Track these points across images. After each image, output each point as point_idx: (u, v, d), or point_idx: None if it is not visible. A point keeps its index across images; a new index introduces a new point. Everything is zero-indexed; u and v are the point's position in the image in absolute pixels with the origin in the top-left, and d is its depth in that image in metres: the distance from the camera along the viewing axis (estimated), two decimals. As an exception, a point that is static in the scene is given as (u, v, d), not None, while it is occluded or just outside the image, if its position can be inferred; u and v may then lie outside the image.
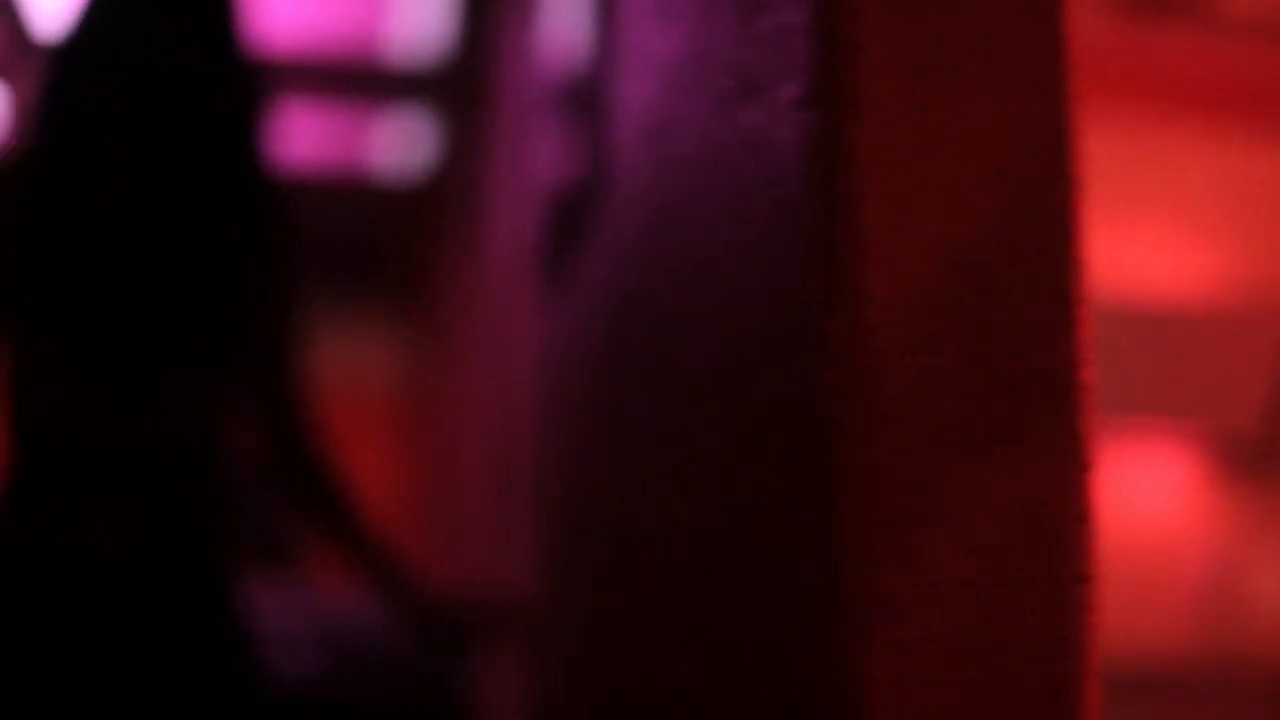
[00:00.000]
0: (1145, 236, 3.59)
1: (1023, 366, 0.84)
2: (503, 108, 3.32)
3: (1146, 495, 3.59)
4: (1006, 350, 0.84)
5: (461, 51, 4.10)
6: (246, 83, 2.04)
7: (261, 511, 2.99)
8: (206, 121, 2.02)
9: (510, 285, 3.08)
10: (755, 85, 1.01)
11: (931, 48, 0.86)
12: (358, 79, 4.41)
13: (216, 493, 1.92)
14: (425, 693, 2.74)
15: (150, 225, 1.94)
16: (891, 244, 0.83)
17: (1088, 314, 0.86)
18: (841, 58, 0.86)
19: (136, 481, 1.86)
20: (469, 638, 2.17)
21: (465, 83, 4.10)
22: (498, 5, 3.47)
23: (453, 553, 4.47)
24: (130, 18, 2.03)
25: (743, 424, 1.02)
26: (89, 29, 2.03)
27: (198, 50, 2.02)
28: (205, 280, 1.93)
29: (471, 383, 3.80)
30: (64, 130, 2.00)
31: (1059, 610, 0.81)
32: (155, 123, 1.98)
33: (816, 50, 0.88)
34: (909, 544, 0.79)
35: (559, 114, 2.20)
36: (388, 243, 5.23)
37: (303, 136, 4.79)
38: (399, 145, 4.91)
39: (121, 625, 1.85)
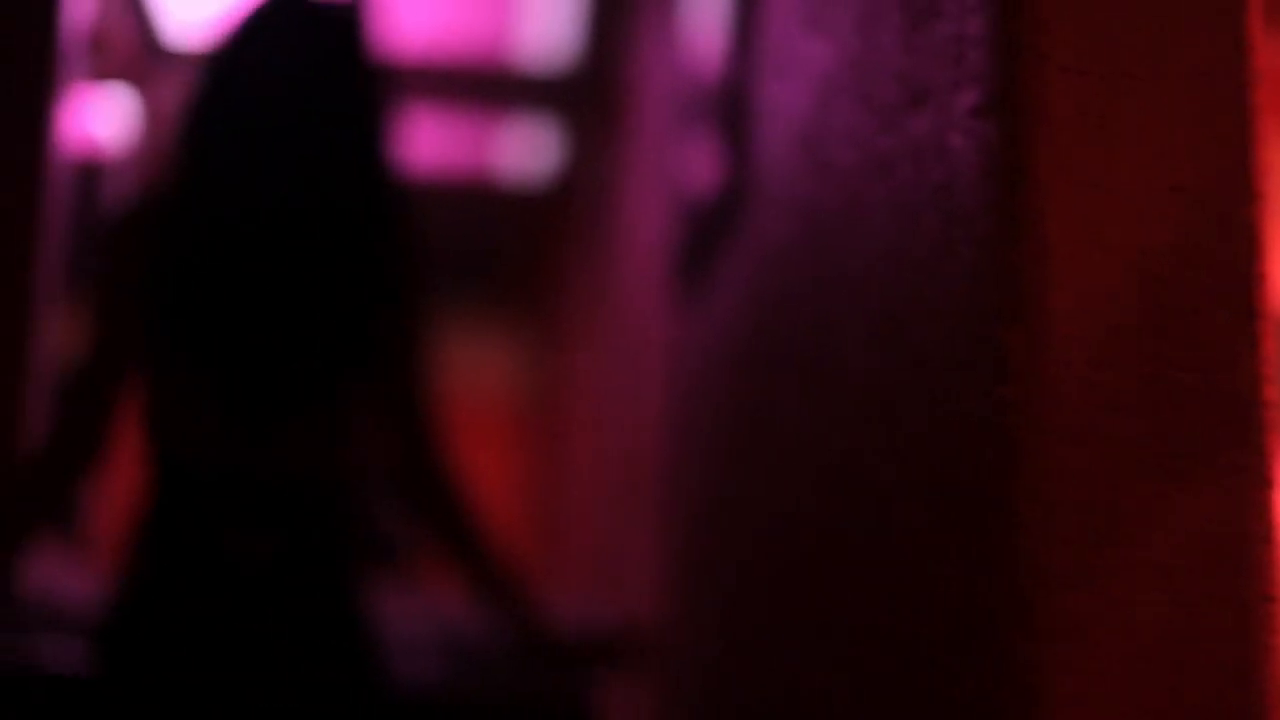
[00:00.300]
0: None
1: (1205, 383, 0.82)
2: (634, 114, 3.32)
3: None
4: (1189, 367, 0.82)
5: (590, 58, 4.12)
6: (381, 111, 2.08)
7: (384, 521, 3.02)
8: (345, 156, 2.06)
9: (641, 291, 3.09)
10: (925, 94, 1.00)
11: (1115, 61, 0.85)
12: (486, 85, 4.45)
13: (347, 514, 1.99)
14: (546, 699, 2.75)
15: (288, 261, 1.99)
16: (1072, 258, 0.82)
17: (1272, 330, 0.85)
18: (1023, 69, 0.85)
19: (272, 509, 1.93)
20: (591, 660, 2.18)
21: (594, 89, 4.12)
22: (628, 12, 3.48)
23: (575, 560, 4.49)
24: (267, 55, 2.07)
25: (906, 433, 1.01)
26: (226, 63, 2.08)
27: (336, 86, 2.06)
28: (342, 314, 1.99)
29: (598, 388, 3.82)
30: (205, 166, 2.04)
31: (1242, 631, 0.80)
32: (293, 160, 2.02)
33: (996, 60, 0.87)
34: (1090, 564, 0.78)
35: (697, 120, 2.20)
36: (514, 248, 5.26)
37: (432, 142, 4.84)
38: (527, 151, 4.95)
39: (257, 644, 1.91)
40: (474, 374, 5.01)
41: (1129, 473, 0.80)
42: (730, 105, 1.81)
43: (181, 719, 1.89)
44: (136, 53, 4.33)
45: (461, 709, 2.76)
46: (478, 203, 5.09)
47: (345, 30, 2.09)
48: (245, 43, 2.09)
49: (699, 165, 2.12)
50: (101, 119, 4.23)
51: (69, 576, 3.66)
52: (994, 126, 0.87)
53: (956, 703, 0.86)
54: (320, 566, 1.95)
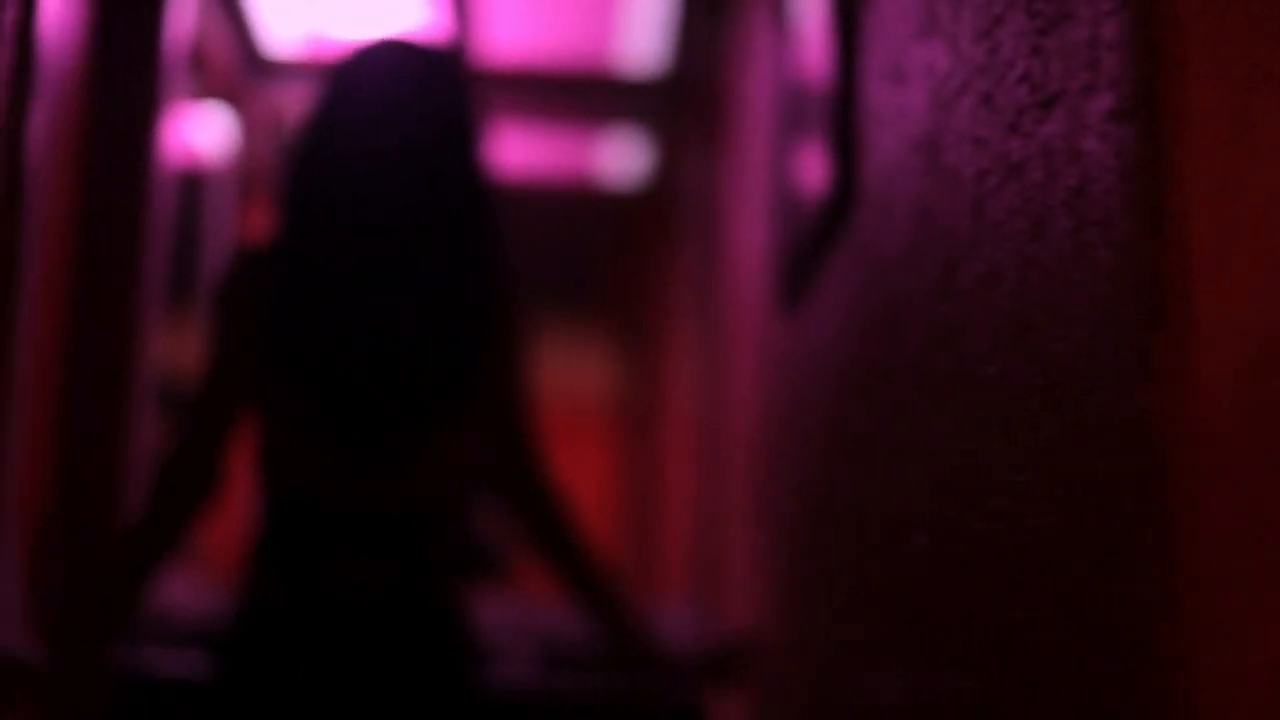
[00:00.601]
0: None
1: (1353, 387, 0.82)
2: (735, 120, 3.33)
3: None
4: (1337, 370, 0.82)
5: (691, 63, 4.13)
6: (482, 145, 2.12)
7: (485, 535, 3.08)
8: (452, 192, 2.11)
9: (740, 297, 3.09)
10: (1055, 98, 1.00)
11: (1254, 64, 0.85)
12: (586, 91, 4.47)
13: (452, 537, 2.07)
14: (653, 708, 2.77)
15: (398, 298, 2.04)
16: (1218, 262, 0.81)
17: None
18: (1162, 72, 0.84)
19: (382, 539, 2.01)
20: (697, 671, 2.21)
21: (694, 95, 4.12)
22: (728, 18, 3.49)
23: (670, 565, 4.50)
24: (374, 95, 2.11)
25: (1038, 437, 1.01)
26: (333, 103, 2.12)
27: (441, 122, 2.11)
28: (450, 348, 2.07)
29: (695, 394, 3.82)
30: (314, 208, 2.09)
31: (1395, 639, 0.79)
32: (401, 199, 2.06)
33: (1133, 64, 0.87)
34: (1240, 567, 0.78)
35: (802, 127, 2.20)
36: (613, 253, 5.29)
37: (531, 149, 4.87)
38: (626, 157, 4.96)
39: (367, 663, 1.99)
40: (572, 379, 5.04)
41: (1278, 478, 0.80)
42: (838, 111, 1.81)
43: None
44: (235, 67, 4.39)
45: (562, 714, 2.78)
46: (577, 209, 5.11)
47: (446, 68, 2.13)
48: (351, 83, 2.14)
49: (804, 171, 2.12)
50: (202, 132, 4.30)
51: (184, 590, 3.72)
52: (1132, 130, 0.87)
53: (1099, 706, 0.86)
54: (428, 589, 2.03)
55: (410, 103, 2.13)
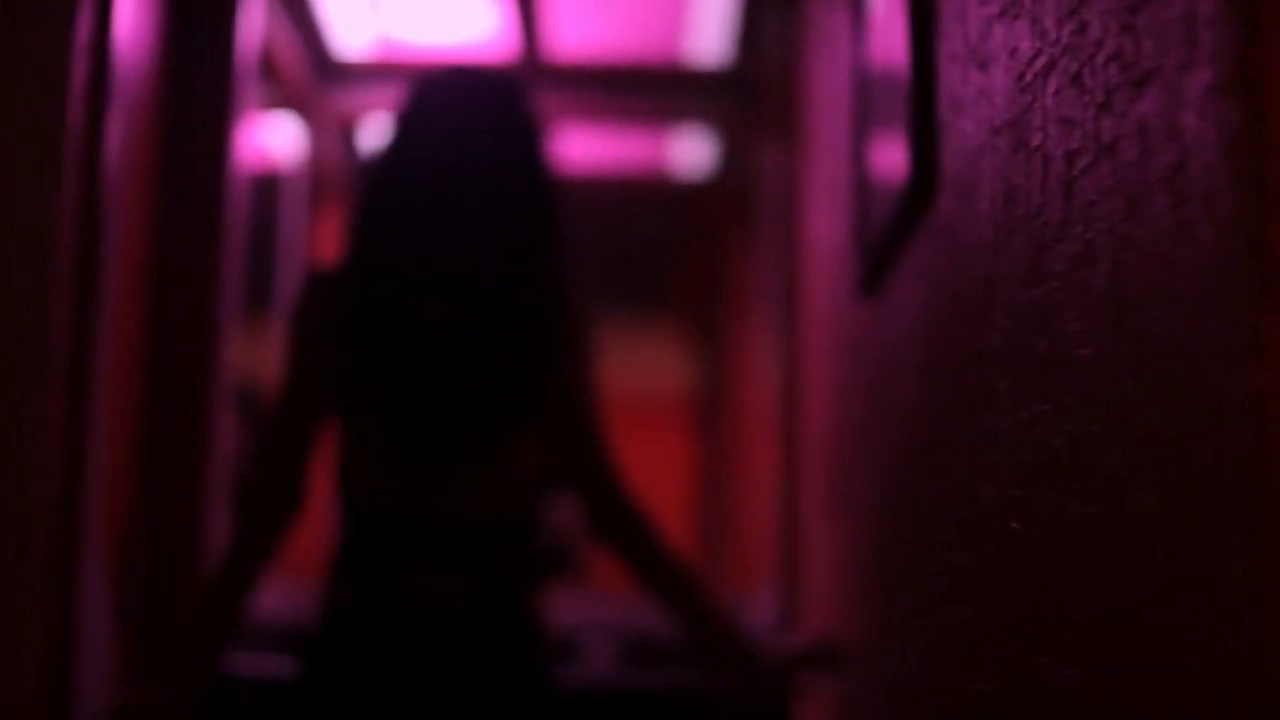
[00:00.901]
0: None
1: None
2: (806, 109, 3.31)
3: None
4: None
5: (763, 52, 4.11)
6: (547, 164, 2.17)
7: (557, 536, 3.15)
8: (520, 211, 2.19)
9: (815, 286, 3.07)
10: (1149, 75, 0.98)
11: (1358, 29, 0.83)
12: (657, 83, 4.47)
13: (524, 544, 2.16)
14: (743, 703, 2.78)
15: (467, 320, 2.08)
16: (1327, 235, 0.80)
17: None
18: (1263, 45, 0.83)
19: (454, 547, 2.10)
20: (786, 670, 2.24)
21: (766, 84, 4.11)
22: (796, 7, 3.47)
23: (747, 558, 4.49)
24: (444, 121, 2.16)
25: (1138, 419, 0.99)
26: (406, 129, 2.18)
27: (508, 144, 2.17)
28: (518, 370, 2.16)
29: (770, 384, 3.81)
30: (388, 231, 2.15)
31: None
32: (471, 221, 2.12)
33: (1232, 38, 0.85)
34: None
35: (879, 113, 2.19)
36: (686, 244, 5.29)
37: (601, 145, 4.87)
38: (695, 151, 4.96)
39: (443, 669, 2.09)
40: (648, 371, 5.04)
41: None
42: (916, 97, 1.80)
43: None
44: (305, 72, 4.42)
45: (645, 710, 2.80)
46: (650, 202, 5.12)
47: (511, 94, 2.18)
48: (424, 109, 2.20)
49: (881, 158, 2.11)
50: (273, 138, 4.33)
51: (271, 596, 3.75)
52: (1233, 106, 0.85)
53: (1205, 693, 0.85)
54: (502, 595, 2.12)
55: (480, 127, 2.21)
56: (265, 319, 4.17)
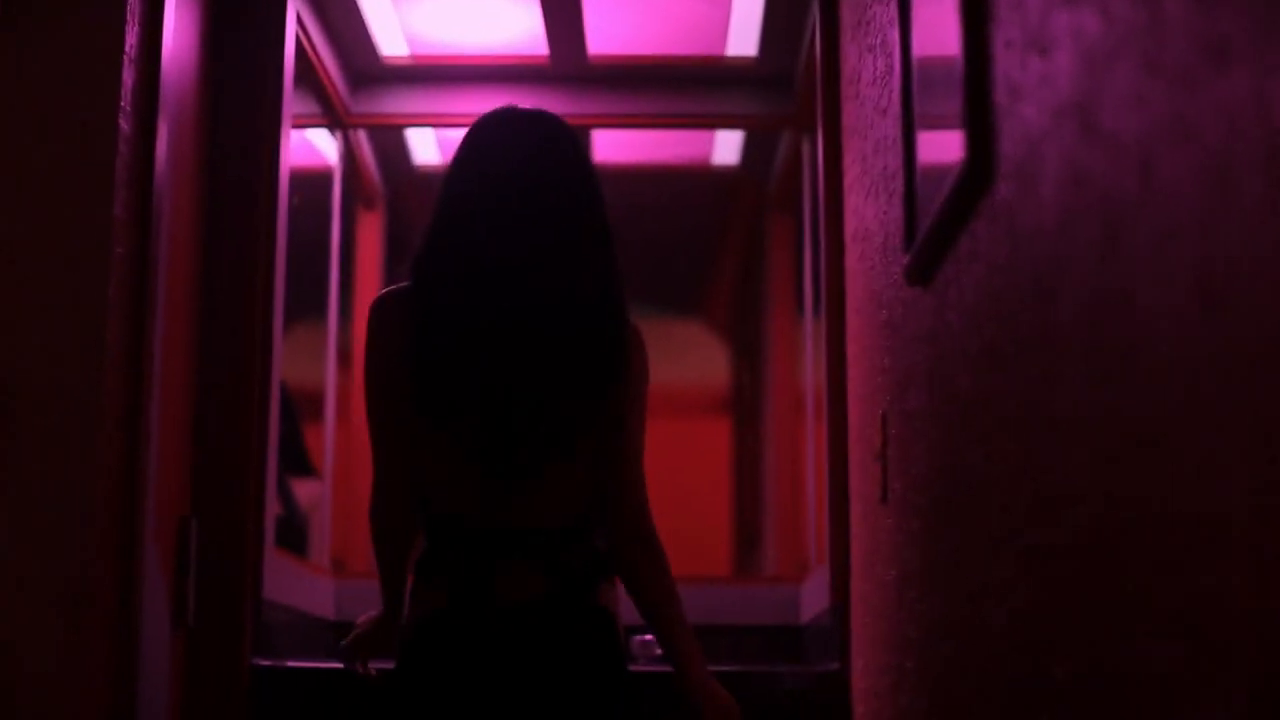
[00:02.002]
0: None
1: None
2: (847, 98, 3.31)
3: None
4: None
5: (796, 48, 4.11)
6: (599, 191, 2.44)
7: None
8: (581, 240, 2.39)
9: (859, 276, 3.08)
10: (1230, 53, 0.99)
11: None
12: (701, 77, 4.47)
13: (589, 545, 2.38)
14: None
15: (533, 342, 2.33)
16: None
17: None
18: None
19: (531, 549, 2.31)
20: None
21: (802, 79, 4.11)
22: (835, 1, 3.47)
23: (787, 551, 4.49)
24: (503, 153, 2.35)
25: (1227, 403, 1.00)
26: (468, 161, 2.37)
27: (564, 174, 2.41)
28: (580, 388, 2.34)
29: (812, 375, 3.81)
30: (457, 253, 2.32)
31: None
32: (534, 248, 2.36)
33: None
34: None
35: (926, 101, 2.19)
36: (723, 237, 5.29)
37: (638, 138, 4.88)
38: (733, 144, 4.96)
39: (530, 658, 2.29)
40: (682, 361, 5.05)
41: None
42: (970, 83, 1.80)
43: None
44: (344, 78, 4.44)
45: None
46: (689, 193, 5.12)
47: (561, 127, 2.46)
48: (483, 140, 2.44)
49: (932, 145, 2.12)
50: (315, 146, 4.35)
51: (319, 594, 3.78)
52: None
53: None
54: (577, 585, 2.33)
55: (538, 155, 2.41)
56: (309, 321, 4.19)
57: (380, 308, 2.41)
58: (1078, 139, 1.37)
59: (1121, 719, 1.28)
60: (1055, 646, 1.51)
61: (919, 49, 2.26)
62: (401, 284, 2.40)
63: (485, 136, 2.44)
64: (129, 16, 2.59)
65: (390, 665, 2.38)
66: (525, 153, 2.39)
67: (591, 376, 2.35)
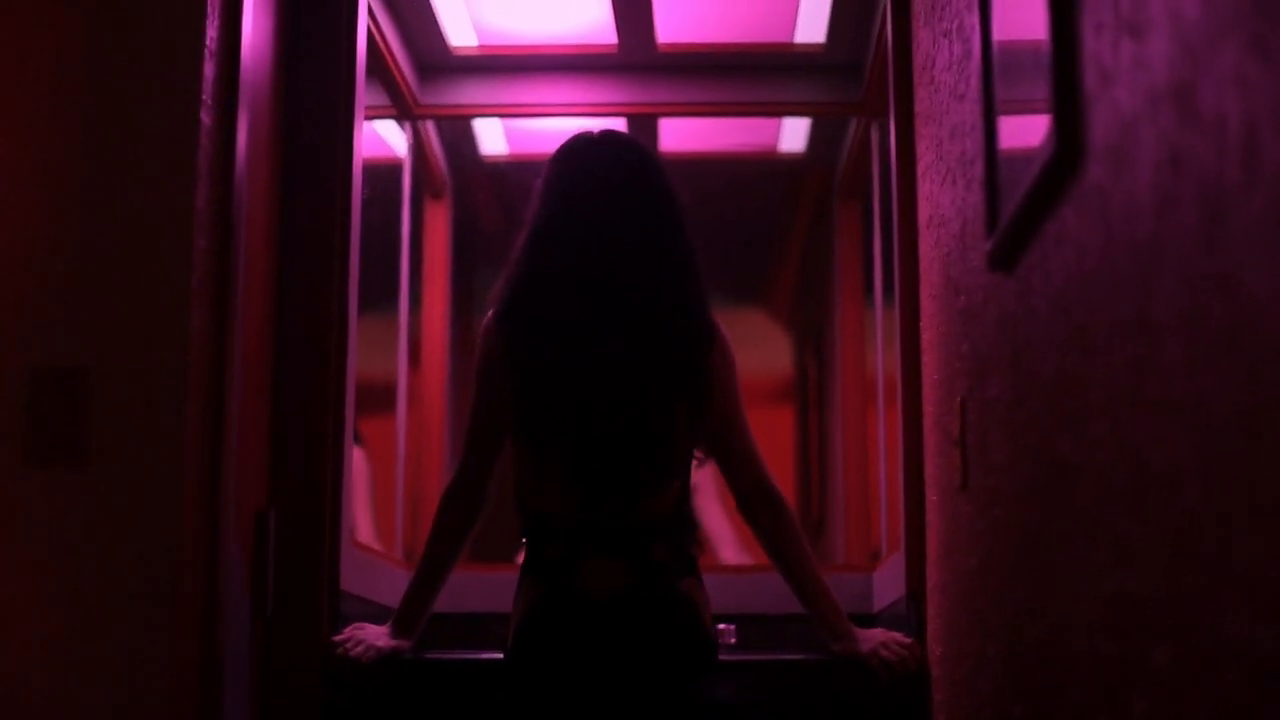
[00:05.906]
0: None
1: None
2: (920, 83, 3.30)
3: None
4: None
5: (866, 34, 4.09)
6: (681, 210, 2.72)
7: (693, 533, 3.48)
8: (666, 255, 2.65)
9: (931, 264, 3.06)
10: (1347, 36, 0.98)
11: None
12: (769, 66, 4.46)
13: (672, 542, 2.65)
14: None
15: (626, 357, 2.60)
16: None
17: None
18: None
19: (617, 545, 2.58)
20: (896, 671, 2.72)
21: (872, 65, 4.09)
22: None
23: (863, 537, 4.48)
24: (590, 175, 2.58)
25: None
26: (557, 183, 2.60)
27: (648, 193, 2.64)
28: (662, 402, 2.62)
29: (884, 361, 3.80)
30: (550, 276, 2.58)
31: None
32: (623, 268, 2.65)
33: None
34: None
35: (1008, 84, 2.18)
36: (793, 225, 5.28)
37: (707, 127, 4.88)
38: (802, 131, 4.95)
39: (620, 646, 2.55)
40: (750, 347, 5.06)
41: None
42: (1058, 67, 1.79)
43: (570, 701, 2.59)
44: (416, 70, 4.46)
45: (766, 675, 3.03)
46: (760, 181, 5.12)
47: (642, 151, 2.72)
48: (568, 166, 2.68)
49: (1016, 129, 2.11)
50: (383, 138, 4.37)
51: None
52: None
53: None
54: (659, 576, 2.59)
55: (625, 181, 2.65)
56: (375, 313, 4.21)
57: (487, 334, 2.73)
58: (1176, 122, 1.36)
59: (1221, 702, 1.27)
60: (1152, 631, 1.50)
61: (999, 33, 2.25)
62: (507, 308, 2.74)
63: (569, 172, 2.69)
64: (209, 10, 2.61)
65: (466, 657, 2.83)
66: (611, 178, 2.69)
67: (679, 405, 2.65)
